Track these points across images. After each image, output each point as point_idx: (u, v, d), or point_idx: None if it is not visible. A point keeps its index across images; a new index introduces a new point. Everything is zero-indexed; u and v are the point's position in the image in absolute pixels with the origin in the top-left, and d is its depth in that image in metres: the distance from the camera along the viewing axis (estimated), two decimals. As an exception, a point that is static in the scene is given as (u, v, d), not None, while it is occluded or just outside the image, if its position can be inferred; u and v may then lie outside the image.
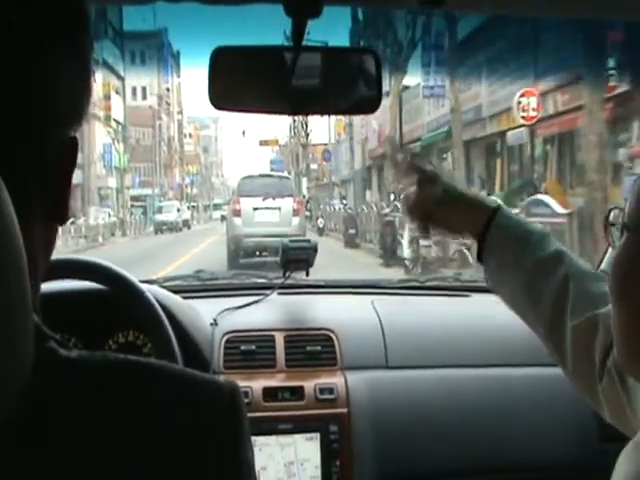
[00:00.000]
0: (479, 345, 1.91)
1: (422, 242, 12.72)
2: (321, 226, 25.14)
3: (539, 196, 12.17)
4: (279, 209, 16.32)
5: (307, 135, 40.47)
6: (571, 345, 1.06)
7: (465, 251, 11.39)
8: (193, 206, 54.48)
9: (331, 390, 1.75)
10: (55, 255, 0.66)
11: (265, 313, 1.99)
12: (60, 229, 0.65)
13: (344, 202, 27.31)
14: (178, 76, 74.52)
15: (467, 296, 2.21)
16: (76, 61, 0.61)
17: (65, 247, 20.13)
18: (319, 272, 2.42)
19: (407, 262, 13.29)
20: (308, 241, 2.16)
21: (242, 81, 1.28)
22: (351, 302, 2.19)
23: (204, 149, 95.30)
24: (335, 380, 1.78)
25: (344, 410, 1.74)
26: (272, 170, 32.62)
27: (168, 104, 68.01)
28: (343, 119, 35.71)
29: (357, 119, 32.03)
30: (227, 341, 1.83)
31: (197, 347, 1.76)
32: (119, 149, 44.78)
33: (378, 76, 1.26)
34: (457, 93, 19.38)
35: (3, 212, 0.49)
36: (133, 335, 1.83)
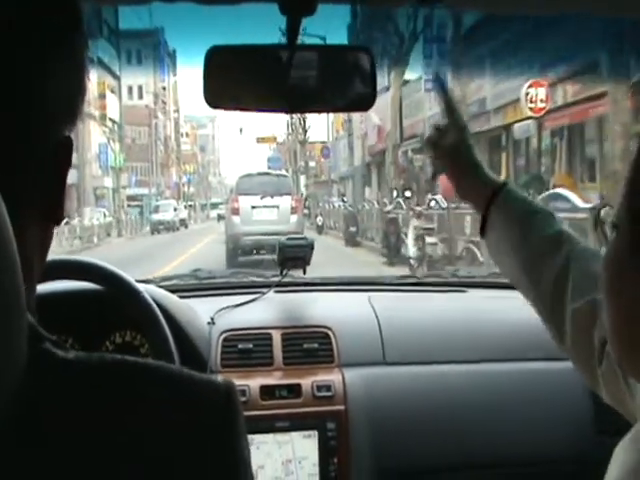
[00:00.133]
0: (476, 340, 1.91)
1: (428, 240, 12.33)
2: (320, 224, 24.97)
3: (557, 190, 10.80)
4: (277, 207, 16.31)
5: (305, 132, 40.27)
6: (571, 327, 1.06)
7: (474, 248, 10.93)
8: (190, 205, 54.43)
9: (328, 387, 1.75)
10: (50, 256, 0.66)
11: (262, 311, 1.99)
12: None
13: (344, 199, 27.17)
14: (174, 75, 74.49)
15: (464, 292, 2.22)
16: (71, 60, 0.61)
17: (59, 248, 19.93)
18: (319, 272, 2.42)
19: (412, 261, 12.67)
20: (305, 239, 2.16)
21: (237, 80, 1.28)
22: (348, 299, 2.19)
23: (201, 148, 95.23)
24: (332, 377, 1.78)
25: (341, 407, 1.74)
26: (270, 168, 32.46)
27: (164, 103, 67.93)
28: (341, 116, 35.60)
29: (356, 114, 31.91)
30: (224, 340, 1.83)
31: (194, 346, 1.76)
32: (115, 148, 44.73)
33: (372, 74, 1.26)
34: (459, 85, 19.05)
35: None
36: (130, 335, 1.83)
